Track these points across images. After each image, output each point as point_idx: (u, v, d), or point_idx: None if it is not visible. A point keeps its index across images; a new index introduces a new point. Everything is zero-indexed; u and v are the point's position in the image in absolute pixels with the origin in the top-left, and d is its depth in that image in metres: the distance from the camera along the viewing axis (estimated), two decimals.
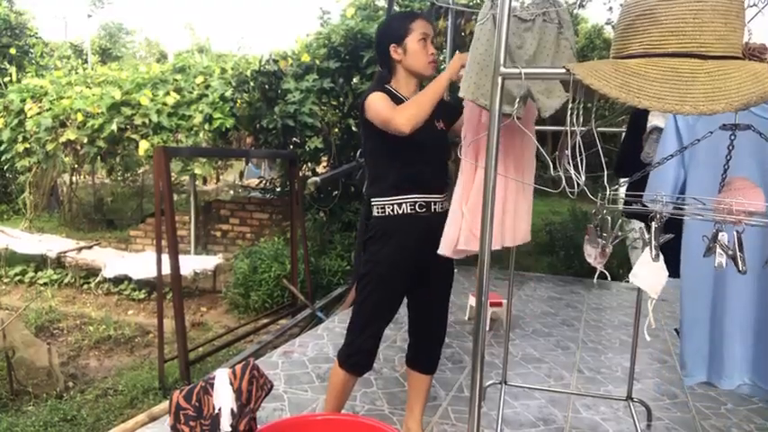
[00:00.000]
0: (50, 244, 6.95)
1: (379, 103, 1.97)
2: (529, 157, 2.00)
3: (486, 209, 1.29)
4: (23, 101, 7.41)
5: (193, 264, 5.97)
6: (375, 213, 2.10)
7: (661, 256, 1.26)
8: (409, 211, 2.05)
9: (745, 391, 1.86)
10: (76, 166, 8.46)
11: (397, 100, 2.03)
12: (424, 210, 2.06)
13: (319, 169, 6.82)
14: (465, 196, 1.90)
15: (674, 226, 1.36)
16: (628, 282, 5.32)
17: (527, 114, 1.98)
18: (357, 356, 2.12)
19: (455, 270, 2.30)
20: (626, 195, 1.67)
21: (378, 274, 2.09)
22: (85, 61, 14.83)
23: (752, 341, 1.80)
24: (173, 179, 4.43)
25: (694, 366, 1.90)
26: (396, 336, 3.68)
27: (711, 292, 1.81)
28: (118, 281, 6.16)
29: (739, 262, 1.20)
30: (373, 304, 2.10)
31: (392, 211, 2.06)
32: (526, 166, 1.99)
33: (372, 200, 2.10)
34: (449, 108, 2.20)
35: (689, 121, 1.75)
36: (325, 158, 6.33)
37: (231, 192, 10.11)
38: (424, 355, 2.25)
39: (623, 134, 2.41)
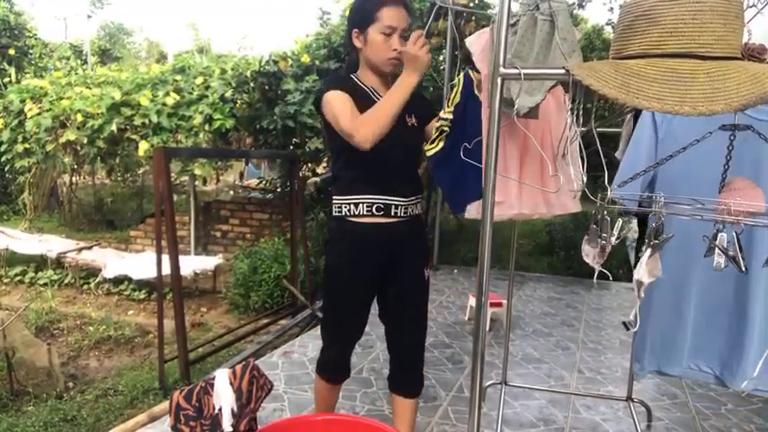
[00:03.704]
0: (50, 244, 6.93)
1: (337, 108, 1.73)
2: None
3: (486, 209, 1.29)
4: (23, 101, 7.40)
5: (193, 264, 5.96)
6: (333, 213, 1.92)
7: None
8: (365, 212, 1.83)
9: (689, 375, 1.94)
10: (76, 166, 8.46)
11: (361, 94, 1.81)
12: (381, 213, 1.83)
13: (319, 170, 6.82)
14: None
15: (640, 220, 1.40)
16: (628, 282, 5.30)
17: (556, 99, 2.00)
18: (328, 367, 2.05)
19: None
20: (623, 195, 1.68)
21: (333, 284, 1.96)
22: (85, 62, 14.81)
23: (704, 327, 1.87)
24: (172, 180, 4.43)
25: (644, 357, 2.00)
26: None
27: (674, 281, 1.89)
28: (118, 281, 6.15)
29: (741, 262, 1.21)
30: (333, 316, 1.99)
31: (348, 211, 1.85)
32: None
33: (333, 199, 1.92)
34: (424, 103, 1.97)
35: (667, 115, 1.75)
36: (326, 159, 6.33)
37: (231, 192, 10.10)
38: (400, 375, 2.01)
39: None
